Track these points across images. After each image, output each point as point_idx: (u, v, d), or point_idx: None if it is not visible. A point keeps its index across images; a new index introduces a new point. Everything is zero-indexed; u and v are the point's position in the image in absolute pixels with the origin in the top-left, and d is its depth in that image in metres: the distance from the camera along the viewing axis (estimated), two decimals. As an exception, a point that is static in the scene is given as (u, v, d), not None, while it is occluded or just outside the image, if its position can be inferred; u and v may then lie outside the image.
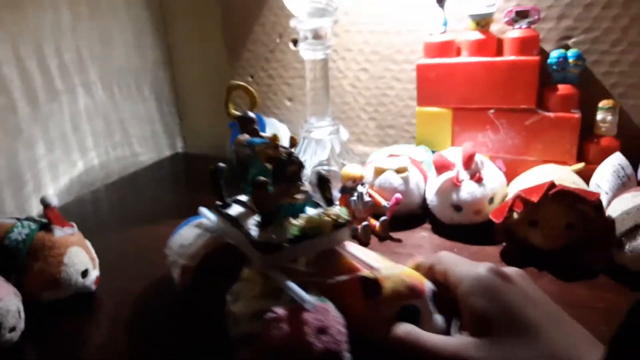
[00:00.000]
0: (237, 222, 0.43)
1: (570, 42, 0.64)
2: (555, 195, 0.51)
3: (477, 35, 0.65)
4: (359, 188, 0.61)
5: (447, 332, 0.37)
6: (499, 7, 0.64)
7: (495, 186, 0.59)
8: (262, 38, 0.84)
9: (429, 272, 0.39)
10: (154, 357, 0.43)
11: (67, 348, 0.45)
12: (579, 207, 0.51)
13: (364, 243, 0.59)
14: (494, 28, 0.65)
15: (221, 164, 0.47)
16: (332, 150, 0.73)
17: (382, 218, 0.60)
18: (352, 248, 0.43)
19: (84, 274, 0.50)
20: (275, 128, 0.81)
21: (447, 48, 0.67)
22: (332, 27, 0.67)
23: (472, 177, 0.59)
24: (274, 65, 0.85)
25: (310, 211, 0.42)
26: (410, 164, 0.64)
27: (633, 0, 0.59)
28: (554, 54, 0.61)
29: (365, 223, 0.59)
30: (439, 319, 0.38)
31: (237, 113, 0.49)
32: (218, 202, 0.48)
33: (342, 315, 0.37)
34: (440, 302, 0.38)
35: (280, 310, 0.35)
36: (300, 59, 0.70)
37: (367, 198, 0.61)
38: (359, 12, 0.76)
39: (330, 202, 0.42)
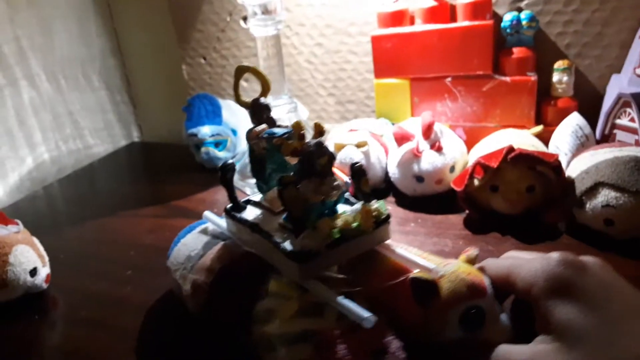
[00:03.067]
0: (258, 228, 0.38)
1: (522, 4, 0.63)
2: (514, 159, 0.50)
3: (430, 2, 0.63)
4: (319, 165, 0.59)
5: (512, 331, 0.33)
6: (451, -29, 0.63)
7: (456, 154, 0.59)
8: (211, 17, 0.81)
9: (481, 269, 0.35)
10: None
11: (20, 351, 0.43)
12: (539, 169, 0.51)
13: (328, 221, 0.58)
14: (446, -6, 0.64)
15: (231, 160, 0.42)
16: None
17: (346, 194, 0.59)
18: (394, 246, 0.37)
19: (33, 272, 0.48)
20: (233, 110, 0.78)
21: (400, 17, 0.65)
22: (281, 2, 0.64)
23: (432, 146, 0.58)
24: (227, 45, 0.82)
25: (344, 208, 0.37)
26: (370, 137, 0.62)
27: (583, -43, 0.59)
28: (507, 17, 0.61)
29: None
30: (504, 318, 0.33)
31: (247, 100, 0.42)
32: (229, 205, 0.42)
33: (396, 324, 0.33)
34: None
35: (332, 331, 0.30)
36: (252, 36, 0.67)
37: (328, 175, 0.59)
38: (309, -15, 0.73)
39: (367, 196, 0.37)
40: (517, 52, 0.61)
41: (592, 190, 0.47)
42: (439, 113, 0.67)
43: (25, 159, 0.80)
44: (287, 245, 0.35)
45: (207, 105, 0.74)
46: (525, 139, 0.58)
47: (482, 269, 0.35)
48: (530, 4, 0.63)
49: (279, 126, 0.41)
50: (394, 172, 0.60)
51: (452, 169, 0.58)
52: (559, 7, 0.61)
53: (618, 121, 0.57)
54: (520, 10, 0.62)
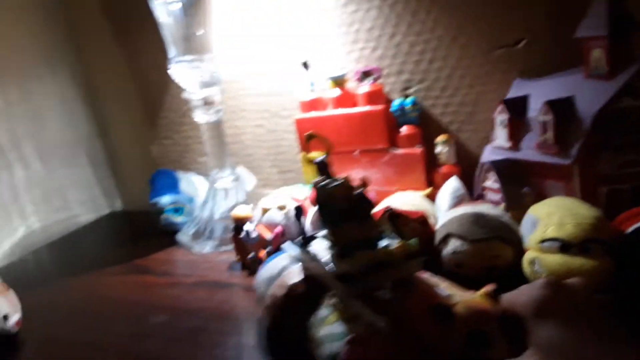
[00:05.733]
0: (317, 257, 0.47)
1: (410, 91, 0.78)
2: (389, 216, 0.63)
3: (337, 92, 0.79)
4: (247, 226, 0.72)
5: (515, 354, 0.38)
6: (351, 68, 0.78)
7: (356, 214, 0.71)
8: (173, 106, 0.98)
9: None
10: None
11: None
12: (411, 225, 0.63)
13: (252, 271, 0.70)
14: (350, 85, 0.79)
15: (299, 205, 0.55)
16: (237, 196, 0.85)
17: (267, 249, 0.72)
18: (425, 279, 0.46)
19: (5, 318, 0.60)
20: (190, 181, 0.93)
21: (316, 104, 0.81)
22: (219, 95, 0.80)
23: (336, 208, 0.71)
24: (186, 128, 0.98)
25: (383, 244, 0.45)
26: (291, 201, 0.76)
27: (450, 54, 0.74)
28: (395, 103, 0.75)
29: (251, 254, 0.71)
30: (505, 343, 0.39)
31: (315, 159, 0.51)
32: (300, 238, 0.53)
33: (415, 339, 0.39)
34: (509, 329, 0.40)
35: (357, 334, 0.39)
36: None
37: (254, 234, 0.72)
38: (245, 80, 0.90)
39: (402, 235, 0.48)
40: (406, 129, 0.75)
41: (445, 240, 0.59)
42: (354, 180, 0.80)
43: (18, 228, 0.95)
44: (333, 269, 0.44)
45: (166, 178, 0.89)
46: (416, 199, 0.70)
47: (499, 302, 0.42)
48: (416, 91, 0.78)
49: (335, 180, 0.48)
50: (308, 229, 0.73)
51: (353, 226, 0.71)
52: (437, 93, 0.76)
53: (485, 184, 0.70)
54: (407, 96, 0.77)
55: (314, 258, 0.47)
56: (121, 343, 0.58)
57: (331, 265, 0.44)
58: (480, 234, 0.57)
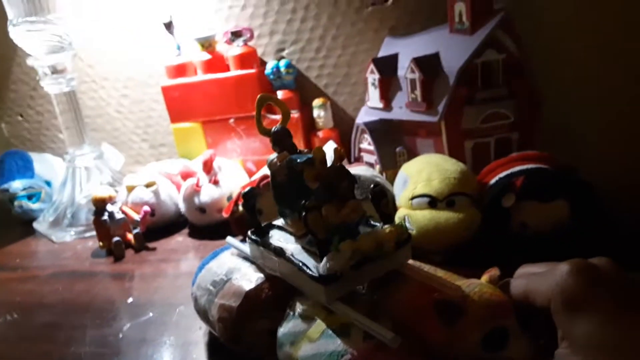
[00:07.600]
0: (282, 252, 0.38)
1: (284, 53, 0.75)
2: (265, 185, 0.59)
3: (206, 56, 0.73)
4: (109, 207, 0.65)
5: (534, 349, 0.33)
6: (220, 29, 0.73)
7: (232, 186, 0.67)
8: (22, 77, 0.86)
9: (503, 288, 0.35)
10: None
11: None
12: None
13: (118, 257, 0.63)
14: (220, 48, 0.73)
15: (254, 187, 0.42)
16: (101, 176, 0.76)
17: (135, 231, 0.65)
18: (417, 266, 0.38)
19: None
20: (47, 162, 0.82)
21: (184, 69, 0.74)
22: (72, 61, 0.71)
23: (210, 181, 0.66)
24: (40, 101, 0.87)
25: (366, 230, 0.37)
26: (161, 177, 0.70)
27: (322, 12, 0.71)
28: (269, 66, 0.71)
29: (116, 239, 0.64)
30: (526, 338, 0.33)
31: (270, 128, 0.41)
32: (252, 230, 0.42)
33: (420, 343, 0.32)
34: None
35: (358, 351, 0.30)
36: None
37: (119, 215, 0.65)
38: (103, 44, 0.80)
39: (387, 218, 0.37)
40: (282, 94, 0.72)
41: (320, 205, 0.57)
42: (231, 150, 0.75)
43: None
44: (313, 268, 0.35)
45: (17, 160, 0.78)
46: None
47: (503, 288, 0.35)
48: (290, 53, 0.74)
49: (300, 152, 0.40)
50: (182, 206, 0.68)
51: (230, 198, 0.67)
52: (312, 54, 0.73)
53: (361, 145, 0.69)
54: (281, 59, 0.73)
55: (278, 255, 0.38)
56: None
57: (307, 262, 0.35)
58: (355, 195, 0.55)
